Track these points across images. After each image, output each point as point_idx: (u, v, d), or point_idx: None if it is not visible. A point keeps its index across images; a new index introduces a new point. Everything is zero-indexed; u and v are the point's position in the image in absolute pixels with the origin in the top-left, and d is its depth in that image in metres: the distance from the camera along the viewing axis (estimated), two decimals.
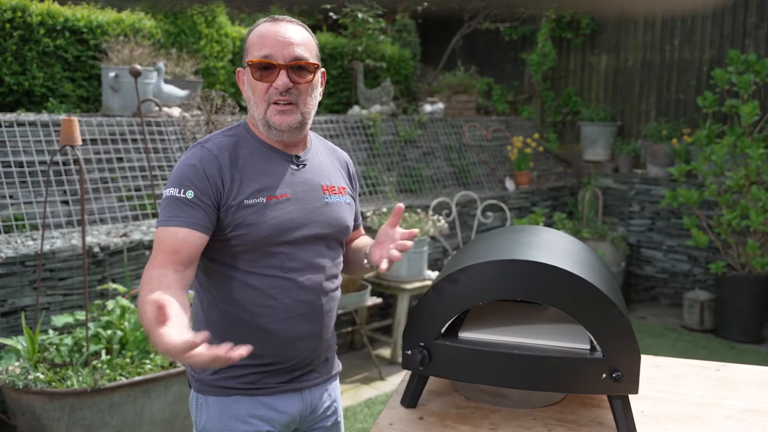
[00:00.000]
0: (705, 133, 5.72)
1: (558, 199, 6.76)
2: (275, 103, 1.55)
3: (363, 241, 1.88)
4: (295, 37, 1.57)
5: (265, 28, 1.58)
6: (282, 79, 1.54)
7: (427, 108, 6.42)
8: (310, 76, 1.59)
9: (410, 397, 1.58)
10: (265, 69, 1.55)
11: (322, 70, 1.66)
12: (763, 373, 1.80)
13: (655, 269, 6.40)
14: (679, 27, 6.64)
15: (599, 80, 7.28)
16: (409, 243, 1.60)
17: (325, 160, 1.73)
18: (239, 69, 1.65)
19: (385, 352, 4.88)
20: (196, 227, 1.49)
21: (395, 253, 1.57)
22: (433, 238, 5.26)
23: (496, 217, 5.85)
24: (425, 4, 6.90)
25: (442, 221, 4.90)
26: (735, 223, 5.29)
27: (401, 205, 1.62)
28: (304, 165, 1.65)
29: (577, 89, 7.44)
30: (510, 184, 6.35)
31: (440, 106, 6.49)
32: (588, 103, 7.34)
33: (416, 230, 1.63)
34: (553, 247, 1.60)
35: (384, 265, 1.56)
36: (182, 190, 1.50)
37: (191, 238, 1.48)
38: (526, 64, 7.62)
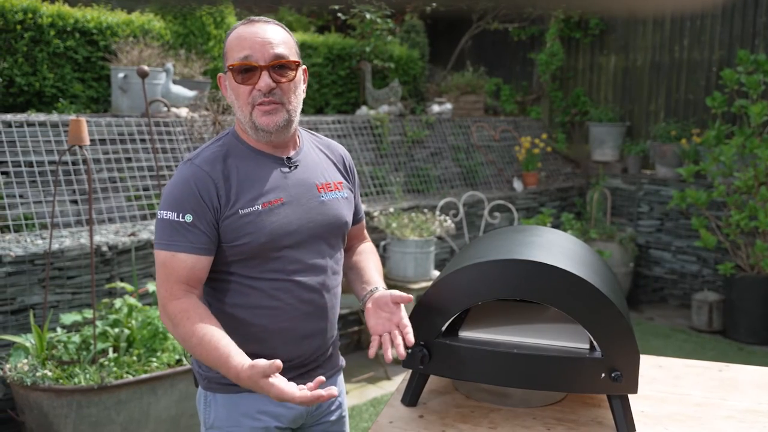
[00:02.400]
0: (714, 133, 5.69)
1: (566, 199, 6.75)
2: (260, 104, 1.54)
3: (367, 264, 1.77)
4: (274, 36, 1.56)
5: (242, 30, 1.56)
6: (264, 80, 1.52)
7: (435, 108, 6.43)
8: (292, 74, 1.57)
9: (411, 396, 1.59)
10: (246, 71, 1.53)
11: (304, 67, 1.64)
12: (765, 374, 1.80)
13: (663, 270, 6.37)
14: (688, 27, 6.61)
15: (608, 80, 7.26)
16: (411, 338, 1.49)
17: (319, 157, 1.72)
18: (220, 75, 1.63)
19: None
20: (202, 252, 1.52)
21: (402, 351, 1.46)
22: (440, 238, 5.27)
23: (504, 218, 5.84)
24: (434, 4, 6.90)
25: (449, 221, 4.90)
26: (743, 223, 5.27)
27: (404, 296, 1.53)
28: (296, 166, 1.64)
29: (586, 89, 7.42)
30: (518, 185, 6.34)
31: (448, 106, 6.50)
32: (597, 104, 7.32)
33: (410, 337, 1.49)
34: (554, 247, 1.60)
35: (390, 354, 1.47)
36: (180, 214, 1.51)
37: (200, 264, 1.52)
38: (535, 65, 7.61)
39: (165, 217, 1.53)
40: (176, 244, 1.51)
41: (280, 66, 1.54)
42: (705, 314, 5.55)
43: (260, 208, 1.54)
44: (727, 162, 5.33)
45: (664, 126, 6.45)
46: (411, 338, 1.47)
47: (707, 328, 5.54)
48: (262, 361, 1.35)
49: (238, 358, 1.41)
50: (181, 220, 1.51)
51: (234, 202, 1.53)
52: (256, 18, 1.59)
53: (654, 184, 6.39)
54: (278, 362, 1.34)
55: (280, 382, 1.35)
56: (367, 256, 1.82)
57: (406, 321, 1.51)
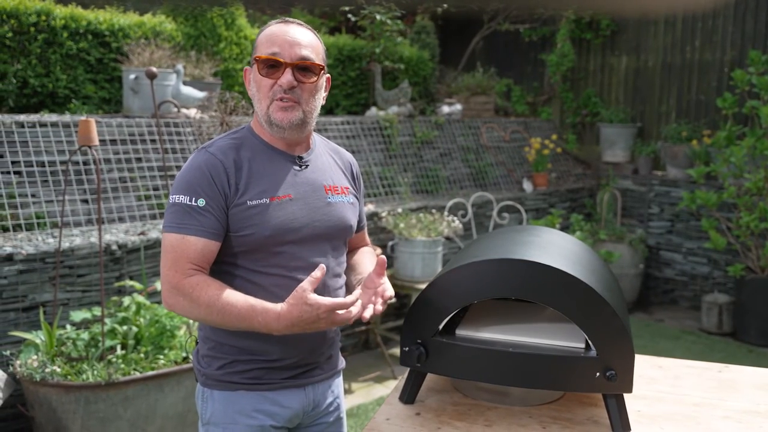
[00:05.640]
0: (724, 134, 5.65)
1: (576, 200, 6.73)
2: (278, 99, 1.59)
3: (362, 260, 1.84)
4: (303, 38, 1.61)
5: (275, 28, 1.62)
6: (287, 77, 1.57)
7: (445, 109, 6.43)
8: (315, 77, 1.62)
9: (408, 394, 1.60)
10: (272, 66, 1.58)
11: (327, 76, 1.70)
12: (765, 375, 1.79)
13: (674, 272, 6.34)
14: (700, 28, 6.57)
15: (619, 81, 7.24)
16: (389, 293, 1.59)
17: (328, 161, 1.76)
18: (246, 68, 1.69)
19: (399, 351, 4.91)
20: (212, 236, 1.54)
21: (379, 307, 1.56)
22: (448, 238, 5.28)
23: (513, 219, 5.84)
24: (445, 5, 6.91)
25: (457, 222, 4.91)
26: (754, 225, 5.23)
27: (384, 257, 1.60)
28: (307, 166, 1.68)
29: (597, 90, 7.40)
30: (527, 186, 6.34)
31: (458, 107, 6.50)
32: (608, 105, 7.29)
33: (390, 294, 1.60)
34: (551, 247, 1.61)
35: (367, 314, 1.53)
36: (193, 198, 1.54)
37: (209, 248, 1.55)
38: (546, 65, 7.60)
39: (177, 201, 1.55)
40: (187, 227, 1.53)
41: (304, 67, 1.60)
42: (715, 316, 5.52)
43: (268, 201, 1.58)
44: (738, 163, 5.30)
45: (675, 127, 6.42)
46: (387, 294, 1.57)
47: (717, 330, 5.51)
48: (304, 283, 1.45)
49: (275, 305, 1.47)
50: (193, 204, 1.54)
51: (243, 192, 1.57)
52: (291, 20, 1.65)
53: (665, 185, 6.36)
54: (317, 272, 1.45)
55: (324, 297, 1.46)
56: (363, 253, 1.87)
57: (387, 285, 1.59)
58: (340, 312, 1.46)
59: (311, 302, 1.43)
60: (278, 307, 1.47)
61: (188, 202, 1.54)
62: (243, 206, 1.56)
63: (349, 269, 1.82)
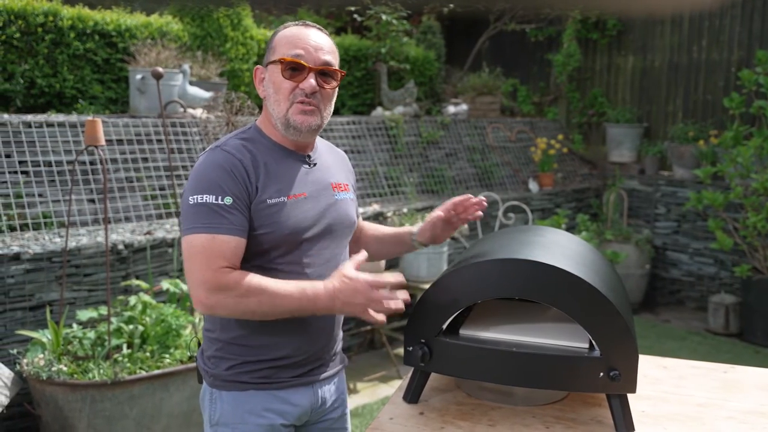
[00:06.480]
0: (731, 134, 5.63)
1: (582, 200, 6.72)
2: (299, 102, 1.59)
3: (372, 226, 1.95)
4: (325, 44, 1.63)
5: (297, 30, 1.62)
6: (309, 82, 1.58)
7: (451, 109, 6.43)
8: (335, 83, 1.64)
9: (412, 393, 1.61)
10: (295, 69, 1.58)
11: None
12: None
13: (680, 272, 6.32)
14: (707, 27, 6.55)
15: (626, 81, 7.22)
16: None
17: (330, 159, 1.78)
18: (258, 67, 1.68)
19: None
20: (243, 234, 1.53)
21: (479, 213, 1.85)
22: (453, 238, 5.28)
23: (519, 219, 5.83)
24: (451, 5, 6.91)
25: None
26: (761, 225, 5.21)
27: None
28: (315, 164, 1.70)
29: (603, 90, 7.38)
30: (533, 186, 6.33)
31: (464, 107, 6.50)
32: (614, 105, 7.27)
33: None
34: (555, 247, 1.61)
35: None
36: (219, 197, 1.51)
37: (241, 246, 1.53)
38: (552, 65, 7.59)
39: (200, 201, 1.51)
40: (217, 227, 1.49)
41: (326, 73, 1.61)
42: (721, 317, 5.50)
43: (286, 200, 1.59)
44: (745, 163, 5.27)
45: (682, 127, 6.40)
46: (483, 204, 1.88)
47: (723, 331, 5.49)
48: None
49: (323, 282, 1.52)
50: (220, 202, 1.51)
51: (263, 191, 1.57)
52: (311, 23, 1.66)
53: (671, 185, 6.34)
54: (360, 256, 1.56)
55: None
56: (371, 224, 1.99)
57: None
58: (380, 291, 1.49)
59: (349, 274, 1.48)
60: (329, 284, 1.51)
61: (215, 201, 1.51)
62: (263, 204, 1.56)
63: (378, 239, 1.93)
